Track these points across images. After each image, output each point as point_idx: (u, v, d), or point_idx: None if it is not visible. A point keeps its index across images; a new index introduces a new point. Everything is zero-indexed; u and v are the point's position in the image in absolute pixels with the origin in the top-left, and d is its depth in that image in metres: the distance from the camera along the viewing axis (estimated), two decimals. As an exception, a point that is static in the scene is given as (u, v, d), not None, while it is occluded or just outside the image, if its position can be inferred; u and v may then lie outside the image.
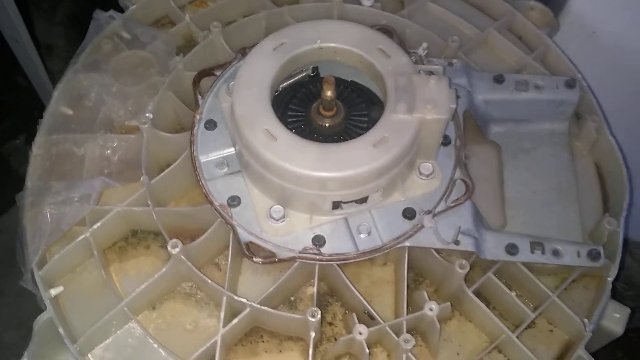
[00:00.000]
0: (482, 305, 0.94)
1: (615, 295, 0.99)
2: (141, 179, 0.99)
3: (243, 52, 1.06)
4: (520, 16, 1.22)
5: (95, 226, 0.98)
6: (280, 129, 0.88)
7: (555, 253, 0.96)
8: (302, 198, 0.90)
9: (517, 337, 0.92)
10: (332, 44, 0.96)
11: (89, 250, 0.98)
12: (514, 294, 0.96)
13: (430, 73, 0.95)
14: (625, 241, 1.02)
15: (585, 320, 0.94)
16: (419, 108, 0.89)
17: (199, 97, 1.04)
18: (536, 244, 0.96)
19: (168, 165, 1.09)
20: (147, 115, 1.05)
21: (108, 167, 1.04)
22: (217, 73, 1.06)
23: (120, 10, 1.25)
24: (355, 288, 0.93)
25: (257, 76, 0.92)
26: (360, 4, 1.18)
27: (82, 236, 0.97)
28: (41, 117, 1.10)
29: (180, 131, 1.14)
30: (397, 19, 1.16)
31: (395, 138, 0.88)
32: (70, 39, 2.19)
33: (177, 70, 1.09)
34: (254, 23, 1.16)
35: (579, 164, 1.12)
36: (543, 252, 0.96)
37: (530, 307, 0.98)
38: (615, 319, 1.00)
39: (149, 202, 0.98)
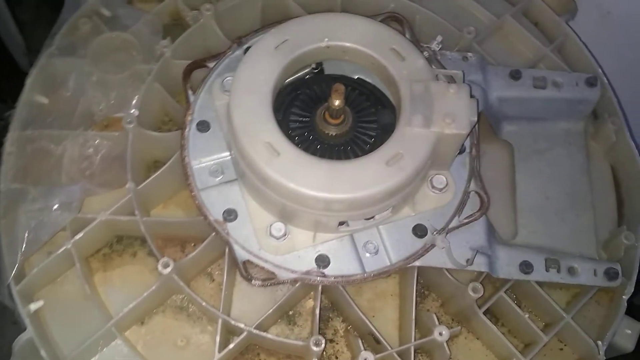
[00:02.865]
0: (493, 327, 0.89)
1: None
2: (127, 186, 0.90)
3: (239, 42, 0.96)
4: (539, 1, 1.12)
5: (77, 237, 0.90)
6: (284, 143, 0.80)
7: (571, 271, 0.91)
8: (306, 216, 0.83)
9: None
10: (340, 43, 0.86)
11: (71, 260, 0.90)
12: (527, 315, 0.91)
13: (450, 78, 0.86)
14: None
15: (599, 342, 0.90)
16: (437, 121, 0.81)
17: (190, 92, 0.94)
18: (551, 261, 0.91)
19: (155, 163, 1.01)
20: (132, 112, 0.95)
21: (89, 168, 0.95)
22: (210, 65, 0.95)
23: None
24: (359, 308, 0.87)
25: (257, 79, 0.83)
26: (367, -15, 1.07)
27: (63, 248, 0.89)
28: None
29: (168, 123, 1.06)
30: (406, 3, 1.06)
31: (410, 155, 0.80)
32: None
33: (164, 59, 0.99)
34: (250, 5, 1.04)
35: (593, 166, 1.06)
36: (558, 271, 0.91)
37: (540, 324, 0.94)
38: (627, 335, 0.96)
39: (136, 212, 0.90)
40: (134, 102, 0.98)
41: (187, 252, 0.97)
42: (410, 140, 0.81)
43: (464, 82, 0.87)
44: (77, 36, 1.03)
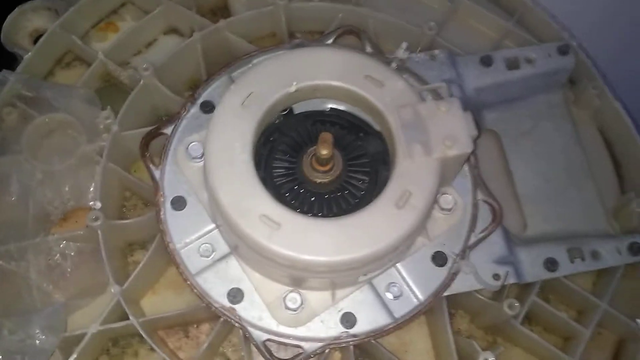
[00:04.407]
0: (534, 336, 0.85)
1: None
2: (112, 290, 0.80)
3: (192, 99, 0.86)
4: (485, -28, 1.06)
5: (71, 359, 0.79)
6: (282, 211, 0.71)
7: (595, 256, 0.87)
8: (322, 280, 0.75)
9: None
10: (309, 83, 0.77)
11: (70, 384, 0.80)
12: (565, 314, 0.87)
13: (435, 92, 0.79)
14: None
15: (638, 320, 0.87)
16: (437, 146, 0.74)
17: (153, 168, 0.84)
18: (574, 251, 0.87)
19: (130, 246, 0.91)
20: (92, 204, 0.84)
21: (62, 277, 0.84)
22: (167, 131, 0.85)
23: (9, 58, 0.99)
24: (389, 350, 0.82)
25: (233, 147, 0.73)
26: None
27: (59, 377, 0.79)
28: None
29: (131, 199, 0.96)
30: (353, 10, 0.97)
31: (419, 189, 0.73)
32: None
33: (113, 135, 0.88)
34: (189, 50, 0.93)
35: (582, 133, 1.01)
36: (583, 259, 0.87)
37: (572, 313, 0.91)
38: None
39: (129, 315, 0.80)
40: (91, 190, 0.87)
41: (192, 335, 0.89)
42: (414, 173, 0.73)
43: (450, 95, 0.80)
44: (5, 129, 0.91)
